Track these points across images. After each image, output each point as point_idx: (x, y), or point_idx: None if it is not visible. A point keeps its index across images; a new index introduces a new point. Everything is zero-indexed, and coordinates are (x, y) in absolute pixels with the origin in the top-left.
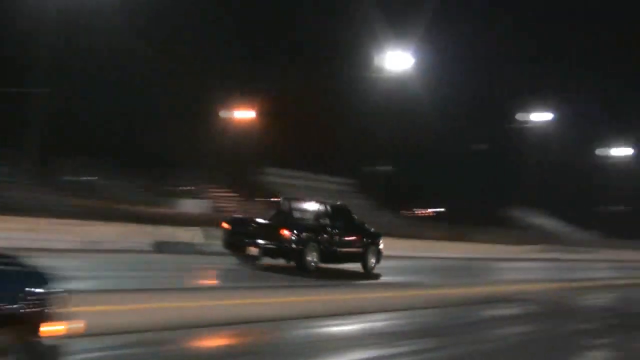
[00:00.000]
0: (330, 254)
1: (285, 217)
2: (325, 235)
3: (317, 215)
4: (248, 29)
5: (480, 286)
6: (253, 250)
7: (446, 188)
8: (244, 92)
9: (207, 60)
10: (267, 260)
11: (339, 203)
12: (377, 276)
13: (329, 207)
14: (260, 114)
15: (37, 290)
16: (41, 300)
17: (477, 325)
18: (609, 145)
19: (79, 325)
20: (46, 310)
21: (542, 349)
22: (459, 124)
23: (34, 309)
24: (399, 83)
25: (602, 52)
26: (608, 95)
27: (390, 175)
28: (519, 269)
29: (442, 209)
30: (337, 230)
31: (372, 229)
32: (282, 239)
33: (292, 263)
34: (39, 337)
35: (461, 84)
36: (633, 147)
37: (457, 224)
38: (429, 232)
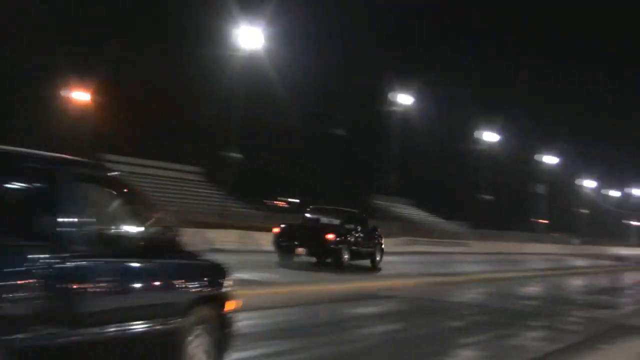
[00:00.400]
0: (355, 253)
1: (318, 223)
2: (351, 238)
3: (342, 221)
4: (92, 3)
5: (343, 282)
6: (301, 251)
7: (303, 176)
8: (82, 74)
9: (43, 38)
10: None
11: (357, 211)
12: (381, 270)
13: (351, 214)
14: (98, 96)
15: (224, 278)
16: (226, 285)
17: (341, 324)
18: (479, 131)
19: (239, 303)
20: (228, 293)
21: (410, 349)
22: (319, 107)
23: (223, 292)
24: (252, 63)
25: (471, 34)
26: (477, 79)
27: (242, 163)
28: (384, 263)
29: (297, 200)
30: (359, 234)
31: (377, 232)
32: (326, 241)
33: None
34: (225, 311)
35: (320, 65)
36: (499, 133)
37: None
38: None
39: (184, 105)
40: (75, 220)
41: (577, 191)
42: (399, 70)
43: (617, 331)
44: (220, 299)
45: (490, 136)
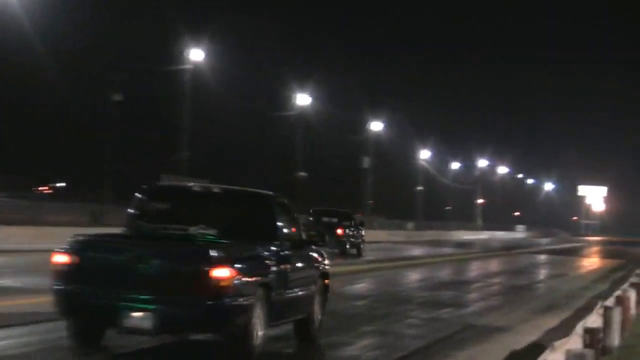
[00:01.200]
0: (352, 244)
1: (321, 221)
2: (349, 232)
3: (340, 218)
4: None
5: None
6: None
7: (73, 154)
8: None
9: None
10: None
11: (347, 210)
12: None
13: (344, 213)
14: None
15: (326, 261)
16: (327, 266)
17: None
18: (292, 94)
19: None
20: (328, 271)
21: None
22: (90, 68)
23: (327, 270)
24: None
25: None
26: (286, 31)
27: None
28: None
29: (64, 184)
30: (353, 228)
31: (361, 227)
32: (337, 235)
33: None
34: (326, 283)
35: (90, 17)
36: (316, 97)
37: (92, 202)
38: (53, 216)
39: None
40: (282, 227)
41: (411, 165)
42: (189, 21)
43: (467, 333)
44: (325, 275)
45: (304, 100)
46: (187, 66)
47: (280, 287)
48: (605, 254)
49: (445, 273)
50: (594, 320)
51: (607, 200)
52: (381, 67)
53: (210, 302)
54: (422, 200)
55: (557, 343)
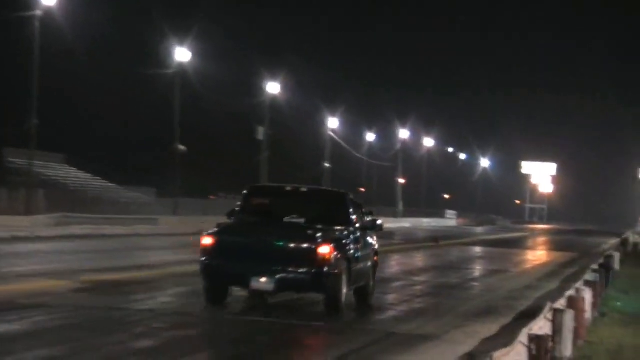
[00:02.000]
0: None
1: None
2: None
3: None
4: None
5: None
6: None
7: None
8: None
9: None
10: None
11: (360, 201)
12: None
13: (357, 203)
14: None
15: (376, 242)
16: (377, 246)
17: None
18: (169, 48)
19: None
20: (377, 249)
21: None
22: None
23: (376, 248)
24: None
25: None
26: None
27: None
28: (24, 254)
29: None
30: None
31: (371, 215)
32: None
33: None
34: (376, 259)
35: None
36: (193, 51)
37: None
38: None
39: None
40: (352, 215)
41: (317, 136)
42: None
43: (385, 343)
44: (376, 252)
45: (184, 56)
46: (37, 12)
47: (355, 261)
48: (555, 246)
49: None
50: (541, 326)
51: (557, 180)
52: (280, 22)
53: (316, 270)
54: (330, 180)
55: (496, 354)
